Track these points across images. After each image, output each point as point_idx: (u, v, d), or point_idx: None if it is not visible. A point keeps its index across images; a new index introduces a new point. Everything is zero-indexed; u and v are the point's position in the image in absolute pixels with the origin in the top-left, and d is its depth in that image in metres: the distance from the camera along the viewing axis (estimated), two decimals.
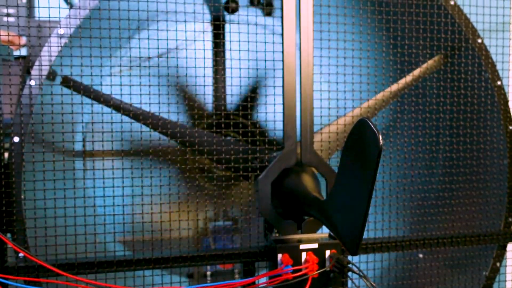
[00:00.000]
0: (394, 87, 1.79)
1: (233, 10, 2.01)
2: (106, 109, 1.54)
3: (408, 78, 1.81)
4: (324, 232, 1.54)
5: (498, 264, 1.86)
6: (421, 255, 1.90)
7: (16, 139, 1.42)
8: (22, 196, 1.42)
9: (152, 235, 1.51)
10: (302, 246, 1.42)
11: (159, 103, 1.52)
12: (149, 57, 1.53)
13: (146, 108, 1.55)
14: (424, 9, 1.71)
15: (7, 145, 1.43)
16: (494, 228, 1.85)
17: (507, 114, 1.82)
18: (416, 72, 1.82)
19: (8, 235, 1.42)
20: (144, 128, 1.56)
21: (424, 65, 1.82)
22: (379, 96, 1.77)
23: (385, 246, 1.70)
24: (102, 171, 1.49)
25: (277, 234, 1.54)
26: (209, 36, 2.00)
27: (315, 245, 1.43)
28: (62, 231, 1.43)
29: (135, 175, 1.50)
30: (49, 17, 1.44)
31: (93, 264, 1.43)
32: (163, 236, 1.52)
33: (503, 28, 1.81)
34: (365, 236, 1.67)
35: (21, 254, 1.38)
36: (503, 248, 1.87)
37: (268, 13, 1.92)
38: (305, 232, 1.53)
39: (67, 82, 1.51)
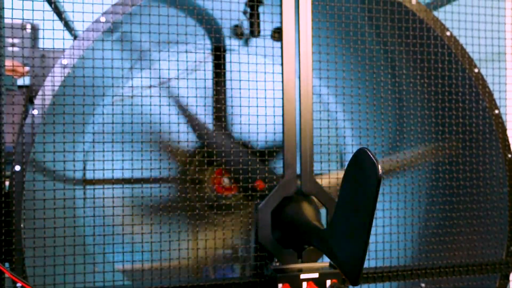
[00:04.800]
0: None
1: (241, 34, 2.03)
2: (108, 137, 1.55)
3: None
4: (324, 261, 1.53)
5: None
6: (423, 285, 1.87)
7: (17, 167, 1.42)
8: (22, 225, 1.41)
9: (151, 264, 1.50)
10: (302, 276, 1.41)
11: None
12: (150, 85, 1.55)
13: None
14: (421, 40, 1.75)
15: (8, 173, 1.44)
16: (496, 257, 1.83)
17: (506, 142, 1.83)
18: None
19: (6, 264, 1.41)
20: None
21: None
22: None
23: (386, 276, 1.68)
24: (102, 199, 1.49)
25: (277, 263, 1.53)
26: (209, 66, 2.03)
27: (316, 275, 1.41)
28: (61, 260, 1.42)
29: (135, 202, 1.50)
30: (53, 48, 1.47)
31: None
32: (162, 265, 1.51)
33: (499, 58, 1.84)
34: (366, 265, 1.65)
35: (19, 284, 1.36)
36: (506, 278, 1.84)
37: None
38: (306, 261, 1.52)
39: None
